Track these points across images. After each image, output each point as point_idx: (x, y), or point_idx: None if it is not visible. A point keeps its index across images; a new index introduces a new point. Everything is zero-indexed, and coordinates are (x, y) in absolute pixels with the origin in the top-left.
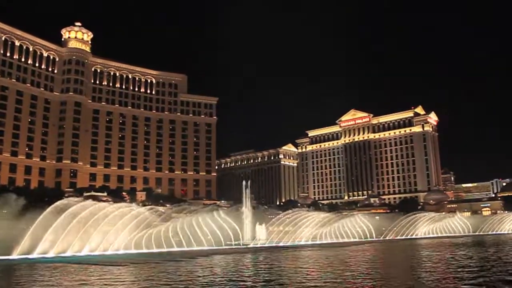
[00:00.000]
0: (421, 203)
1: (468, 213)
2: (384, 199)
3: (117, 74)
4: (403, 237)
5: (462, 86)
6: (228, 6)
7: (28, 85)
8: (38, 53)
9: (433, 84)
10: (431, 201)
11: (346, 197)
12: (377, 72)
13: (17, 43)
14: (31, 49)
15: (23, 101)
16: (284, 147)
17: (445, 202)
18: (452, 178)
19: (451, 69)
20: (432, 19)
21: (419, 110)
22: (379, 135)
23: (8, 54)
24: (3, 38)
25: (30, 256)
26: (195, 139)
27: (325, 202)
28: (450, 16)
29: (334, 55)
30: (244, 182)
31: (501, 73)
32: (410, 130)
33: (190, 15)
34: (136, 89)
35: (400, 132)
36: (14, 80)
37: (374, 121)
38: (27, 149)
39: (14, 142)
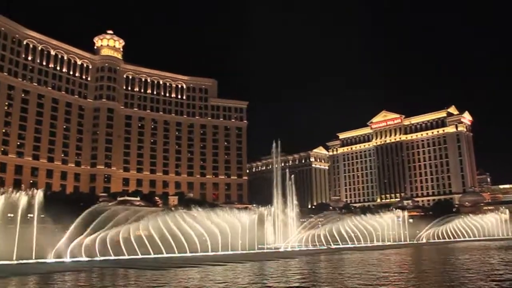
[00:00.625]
0: (456, 205)
1: (507, 215)
2: (418, 201)
3: (148, 80)
4: (436, 240)
5: (497, 84)
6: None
7: (63, 92)
8: (72, 61)
9: (467, 83)
10: (467, 203)
11: (378, 200)
12: (406, 72)
13: (52, 52)
14: (65, 58)
15: (59, 108)
16: (315, 150)
17: (482, 204)
18: (488, 179)
19: (484, 68)
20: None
21: (452, 110)
22: (411, 136)
23: (44, 63)
24: (39, 48)
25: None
26: (225, 143)
27: (357, 205)
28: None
29: (361, 57)
30: (289, 181)
31: None
32: (443, 130)
33: (216, 18)
34: (167, 94)
35: (433, 133)
36: (50, 88)
37: (406, 122)
38: (62, 155)
39: (50, 148)
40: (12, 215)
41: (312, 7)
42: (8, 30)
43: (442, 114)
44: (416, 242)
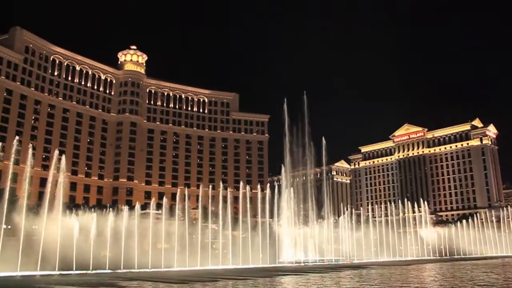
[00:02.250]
0: (481, 220)
1: None
2: (441, 215)
3: (171, 94)
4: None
5: None
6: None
7: (87, 106)
8: (97, 76)
9: (491, 95)
10: (492, 217)
11: (401, 214)
12: (429, 85)
13: (77, 67)
14: (90, 73)
15: (83, 122)
16: (336, 164)
17: (508, 219)
18: None
19: (509, 80)
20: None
21: (477, 122)
22: (435, 150)
23: (69, 78)
24: (65, 64)
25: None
26: (247, 157)
27: (379, 219)
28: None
29: (384, 70)
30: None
31: None
32: (468, 144)
33: (239, 33)
34: (189, 108)
35: (456, 146)
36: (75, 103)
37: (429, 135)
38: (86, 168)
39: (74, 161)
40: None
41: (335, 19)
42: (36, 46)
43: (466, 127)
44: (439, 257)
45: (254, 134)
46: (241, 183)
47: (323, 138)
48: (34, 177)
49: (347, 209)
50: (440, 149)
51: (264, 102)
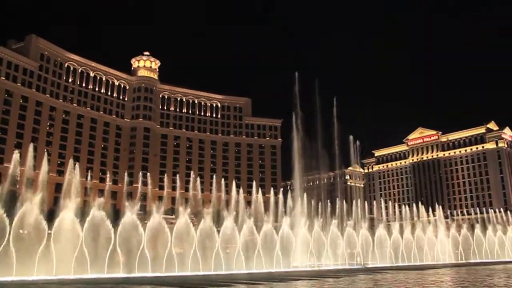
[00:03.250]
0: (498, 224)
1: None
2: (457, 219)
3: (184, 100)
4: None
5: None
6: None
7: (101, 112)
8: (110, 82)
9: (505, 97)
10: (510, 221)
11: (415, 218)
12: (443, 88)
13: (92, 74)
14: (104, 79)
15: (97, 128)
16: (350, 168)
17: None
18: None
19: None
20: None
21: (492, 125)
22: (449, 153)
23: (83, 85)
24: (79, 70)
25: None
26: (260, 161)
27: (393, 223)
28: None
29: (397, 73)
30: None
31: None
32: (483, 147)
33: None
34: (202, 113)
35: (471, 149)
36: (89, 109)
37: (443, 138)
38: (100, 174)
39: (89, 167)
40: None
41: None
42: (51, 54)
43: (481, 130)
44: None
45: (267, 138)
46: (254, 187)
47: (350, 137)
48: (50, 183)
49: (361, 213)
50: (454, 152)
51: (276, 107)
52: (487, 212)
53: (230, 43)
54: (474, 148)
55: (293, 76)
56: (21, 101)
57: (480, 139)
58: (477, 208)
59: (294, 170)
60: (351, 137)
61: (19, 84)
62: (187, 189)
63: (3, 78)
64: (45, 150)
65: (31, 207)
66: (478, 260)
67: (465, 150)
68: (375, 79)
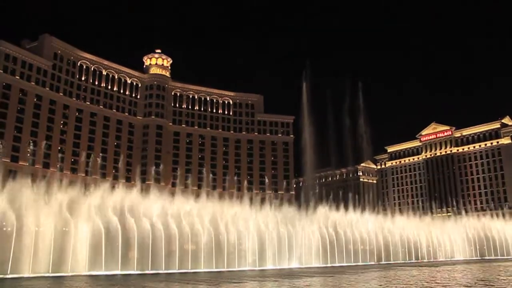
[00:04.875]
0: None
1: None
2: (471, 215)
3: (196, 97)
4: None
5: None
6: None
7: (114, 110)
8: (123, 80)
9: None
10: None
11: (429, 214)
12: (456, 83)
13: (104, 72)
14: (116, 77)
15: (110, 126)
16: (362, 164)
17: None
18: None
19: None
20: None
21: (507, 120)
22: (463, 149)
23: (96, 83)
24: (92, 69)
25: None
26: (272, 158)
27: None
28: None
29: (410, 69)
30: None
31: None
32: (497, 142)
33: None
34: (214, 110)
35: (486, 144)
36: (102, 107)
37: (457, 134)
38: (114, 171)
39: (102, 164)
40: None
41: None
42: (64, 52)
43: (495, 125)
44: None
45: (279, 135)
46: (267, 184)
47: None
48: (63, 181)
49: (374, 209)
50: (468, 148)
51: (288, 103)
52: (502, 208)
53: (242, 40)
54: (488, 143)
55: (303, 72)
56: (35, 100)
57: (494, 134)
58: (492, 204)
59: (306, 167)
60: (363, 134)
61: (33, 83)
62: (200, 186)
63: (18, 77)
64: (59, 148)
65: None
66: (493, 257)
67: (479, 146)
68: (390, 74)
